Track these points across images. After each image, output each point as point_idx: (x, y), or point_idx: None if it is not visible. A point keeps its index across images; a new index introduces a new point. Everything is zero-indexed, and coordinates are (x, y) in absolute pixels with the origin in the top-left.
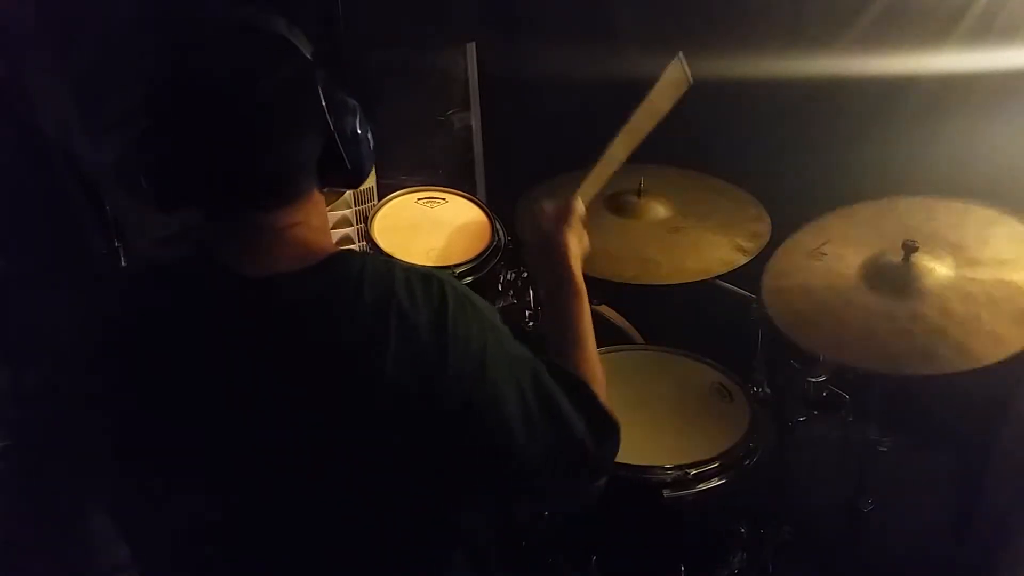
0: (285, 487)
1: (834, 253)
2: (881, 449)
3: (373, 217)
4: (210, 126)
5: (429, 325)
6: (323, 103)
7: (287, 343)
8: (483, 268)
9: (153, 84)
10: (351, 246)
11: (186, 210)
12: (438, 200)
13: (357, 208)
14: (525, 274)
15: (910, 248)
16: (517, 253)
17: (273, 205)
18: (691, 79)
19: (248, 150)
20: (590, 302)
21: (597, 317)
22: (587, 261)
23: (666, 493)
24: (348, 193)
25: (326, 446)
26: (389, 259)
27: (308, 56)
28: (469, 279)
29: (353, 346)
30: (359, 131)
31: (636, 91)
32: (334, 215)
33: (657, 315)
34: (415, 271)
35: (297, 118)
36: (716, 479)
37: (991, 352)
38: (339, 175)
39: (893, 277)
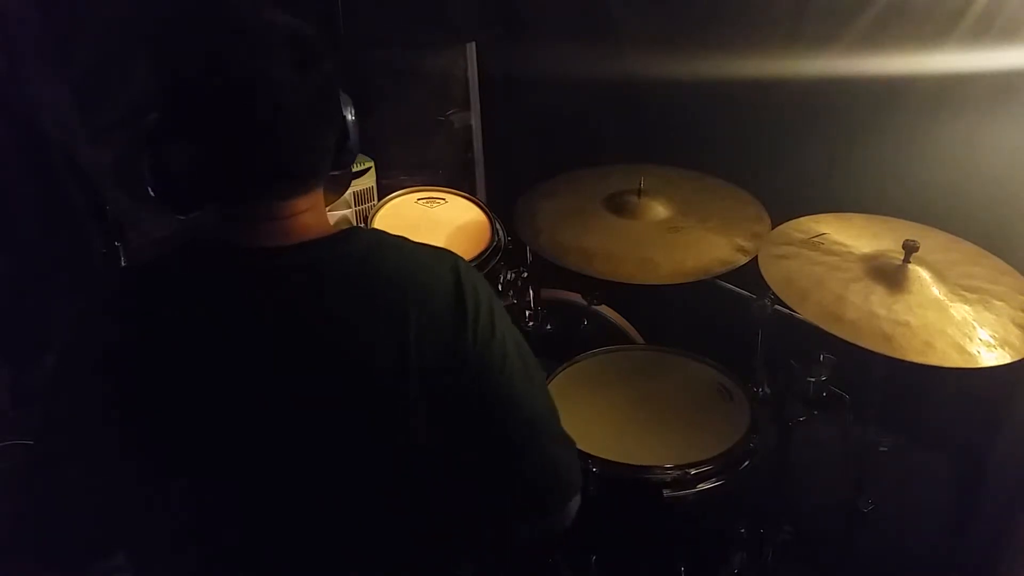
0: (298, 475)
1: (831, 242)
2: (881, 449)
3: (373, 217)
4: (252, 128)
5: (447, 292)
6: (340, 100)
7: (304, 313)
8: (483, 268)
9: (188, 87)
10: None
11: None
12: (438, 200)
13: (357, 208)
14: (525, 274)
15: (911, 248)
16: (517, 253)
17: (294, 194)
18: None
19: (291, 148)
20: (590, 302)
21: (597, 317)
22: (587, 261)
23: (666, 493)
24: (348, 193)
25: (342, 427)
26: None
27: (332, 59)
28: None
29: (372, 313)
30: (355, 120)
31: (636, 91)
32: (334, 215)
33: (657, 315)
34: (425, 244)
35: (328, 117)
36: (716, 479)
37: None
38: (341, 160)
39: (893, 273)
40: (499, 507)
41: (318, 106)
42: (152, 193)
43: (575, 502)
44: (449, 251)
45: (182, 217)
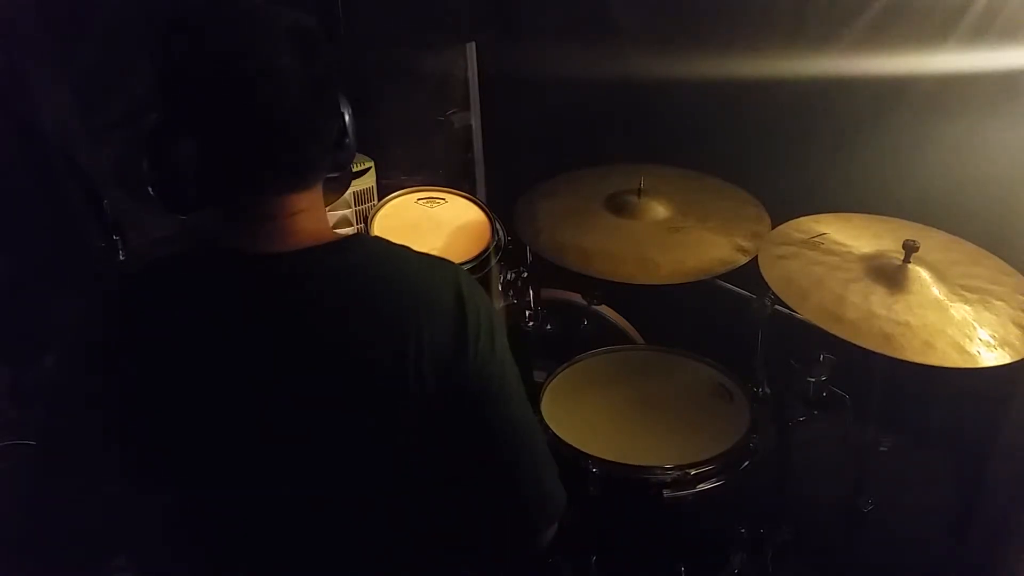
0: (298, 477)
1: (831, 242)
2: (881, 449)
3: (373, 217)
4: (255, 117)
5: (449, 303)
6: (339, 94)
7: (304, 317)
8: (483, 268)
9: (191, 76)
10: None
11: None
12: (438, 200)
13: (357, 208)
14: (525, 274)
15: (911, 248)
16: (517, 253)
17: (293, 188)
18: None
19: (293, 137)
20: (590, 302)
21: (597, 317)
22: (587, 261)
23: (666, 493)
24: (348, 193)
25: (343, 431)
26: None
27: (332, 51)
28: None
29: (372, 317)
30: (352, 119)
31: (636, 91)
32: (334, 215)
33: (657, 315)
34: (427, 255)
35: (329, 108)
36: (716, 479)
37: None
38: (339, 159)
39: (893, 273)
40: (490, 520)
41: (319, 96)
42: (152, 192)
43: (554, 528)
44: (451, 263)
45: (182, 217)
